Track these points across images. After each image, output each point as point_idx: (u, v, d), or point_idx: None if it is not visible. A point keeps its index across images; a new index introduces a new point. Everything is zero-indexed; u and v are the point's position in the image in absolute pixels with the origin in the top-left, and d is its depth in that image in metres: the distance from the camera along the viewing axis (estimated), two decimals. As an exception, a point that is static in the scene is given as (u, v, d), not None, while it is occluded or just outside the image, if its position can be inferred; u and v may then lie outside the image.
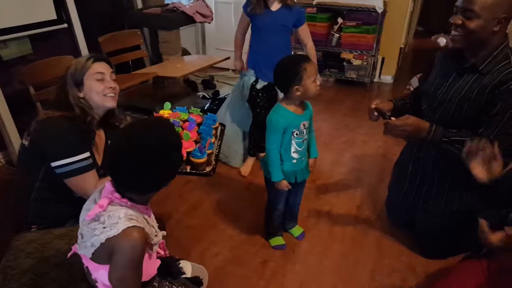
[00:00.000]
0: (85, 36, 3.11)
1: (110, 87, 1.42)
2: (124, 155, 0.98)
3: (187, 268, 1.34)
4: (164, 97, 2.99)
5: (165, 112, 1.86)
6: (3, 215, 1.41)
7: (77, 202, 1.19)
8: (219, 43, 4.79)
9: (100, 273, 1.04)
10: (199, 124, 1.86)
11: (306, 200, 2.25)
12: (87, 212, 1.02)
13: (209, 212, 2.32)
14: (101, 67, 1.41)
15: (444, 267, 1.89)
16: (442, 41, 3.00)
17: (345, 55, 4.25)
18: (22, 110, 2.49)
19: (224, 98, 3.53)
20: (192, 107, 2.00)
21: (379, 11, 3.89)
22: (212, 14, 3.74)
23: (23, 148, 1.40)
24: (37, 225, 1.42)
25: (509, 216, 1.43)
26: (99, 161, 1.46)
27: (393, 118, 1.61)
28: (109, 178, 1.06)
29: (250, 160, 2.71)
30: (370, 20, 4.02)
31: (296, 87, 1.61)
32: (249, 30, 2.48)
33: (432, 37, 3.06)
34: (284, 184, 1.77)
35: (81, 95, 1.39)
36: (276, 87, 2.41)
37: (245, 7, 2.35)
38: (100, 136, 1.50)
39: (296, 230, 2.13)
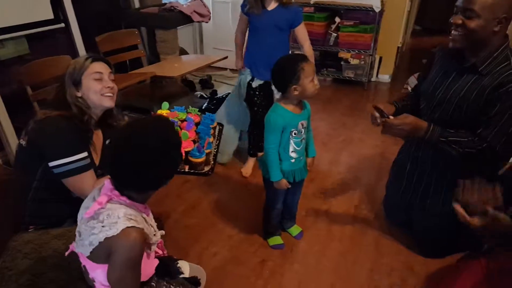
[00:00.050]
0: (82, 36, 3.10)
1: (108, 87, 1.42)
2: (123, 155, 0.98)
3: (185, 268, 1.34)
4: (162, 97, 2.99)
5: (163, 112, 1.86)
6: (0, 215, 1.41)
7: (75, 202, 1.19)
8: (216, 42, 4.78)
9: (97, 273, 1.04)
10: (197, 124, 1.86)
11: (304, 199, 2.25)
12: (86, 210, 1.02)
13: (207, 211, 2.32)
14: (99, 66, 1.41)
15: (442, 266, 1.90)
16: (412, 81, 2.96)
17: (343, 54, 4.25)
18: (19, 110, 2.49)
19: (222, 98, 3.54)
20: (190, 106, 2.00)
21: (377, 10, 3.90)
22: (210, 13, 3.74)
23: (21, 148, 1.39)
24: (35, 225, 1.42)
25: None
26: (96, 161, 1.45)
27: (391, 117, 1.61)
28: (107, 178, 1.06)
29: (251, 161, 2.70)
30: (368, 20, 4.03)
31: (294, 86, 1.61)
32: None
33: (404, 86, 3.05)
34: (284, 183, 1.77)
35: (79, 94, 1.39)
36: (273, 86, 2.43)
37: (242, 6, 2.35)
38: (98, 136, 1.50)
39: (295, 230, 2.13)
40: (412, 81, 2.93)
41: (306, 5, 4.16)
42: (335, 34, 4.21)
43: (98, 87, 1.40)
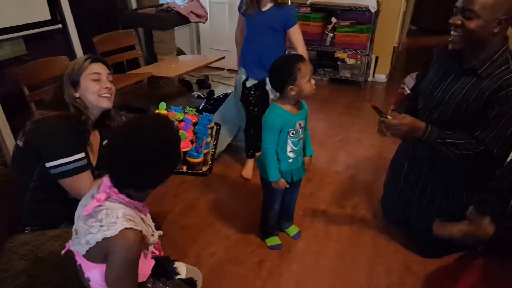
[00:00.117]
0: (79, 37, 3.10)
1: (106, 88, 1.42)
2: (121, 154, 0.98)
3: (182, 269, 1.34)
4: (159, 97, 2.99)
5: (161, 112, 1.87)
6: (-3, 216, 1.41)
7: (72, 203, 1.18)
8: (213, 43, 4.79)
9: (93, 272, 1.04)
10: (194, 124, 1.86)
11: (302, 199, 2.25)
12: (84, 207, 1.02)
13: (204, 212, 2.32)
14: (98, 67, 1.41)
15: (440, 266, 1.90)
16: (409, 81, 2.96)
17: (339, 54, 4.27)
18: (16, 110, 2.48)
19: (219, 98, 3.54)
20: (187, 107, 2.00)
21: (373, 10, 3.92)
22: (207, 14, 3.74)
23: (18, 148, 1.39)
24: (31, 226, 1.41)
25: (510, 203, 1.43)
26: (93, 161, 1.45)
27: (389, 117, 1.61)
28: (103, 179, 1.06)
29: (250, 162, 2.69)
30: (364, 20, 4.04)
31: (291, 87, 1.62)
32: None
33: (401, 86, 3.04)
34: (282, 183, 1.77)
35: (77, 95, 1.39)
36: (267, 86, 2.44)
37: (239, 8, 2.36)
38: (95, 137, 1.50)
39: (292, 230, 2.13)
40: (409, 80, 2.94)
41: (302, 6, 4.17)
42: (332, 34, 4.22)
43: (96, 88, 1.40)
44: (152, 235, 1.12)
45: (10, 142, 2.60)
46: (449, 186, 1.80)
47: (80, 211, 1.05)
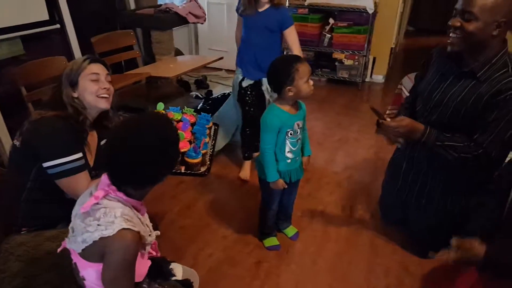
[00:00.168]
0: (77, 37, 3.09)
1: (104, 88, 1.42)
2: (119, 153, 0.98)
3: (178, 270, 1.33)
4: (157, 97, 2.99)
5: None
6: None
7: (69, 203, 1.18)
8: (212, 43, 4.79)
9: (88, 271, 1.04)
10: (193, 124, 1.87)
11: (300, 200, 2.25)
12: (82, 205, 1.01)
13: (202, 212, 2.32)
14: (96, 68, 1.41)
15: (437, 266, 1.91)
16: (406, 82, 2.95)
17: (337, 55, 4.28)
18: (13, 110, 2.47)
19: (217, 98, 3.54)
20: (185, 107, 2.00)
21: (370, 11, 3.93)
22: (205, 14, 3.74)
23: (15, 148, 1.38)
24: (28, 227, 1.41)
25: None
26: (91, 162, 1.45)
27: (388, 119, 1.61)
28: (101, 177, 1.06)
29: (247, 164, 2.68)
30: (361, 21, 4.06)
31: (289, 87, 1.62)
32: None
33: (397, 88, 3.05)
34: (280, 183, 1.77)
35: (75, 95, 1.39)
36: (263, 87, 2.44)
37: (237, 9, 2.37)
38: (93, 137, 1.50)
39: (290, 230, 2.13)
40: (406, 81, 2.94)
41: (300, 7, 4.18)
42: (329, 35, 4.24)
43: (94, 88, 1.40)
44: (149, 235, 1.12)
45: (7, 142, 2.59)
46: (447, 186, 1.80)
47: (78, 209, 1.05)
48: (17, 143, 1.36)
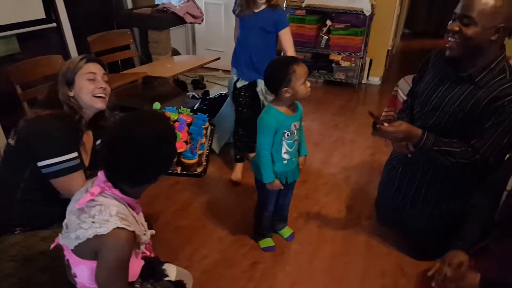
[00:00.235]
0: (74, 36, 3.07)
1: (101, 87, 1.41)
2: (115, 149, 0.97)
3: (172, 271, 1.33)
4: (154, 97, 2.97)
5: (155, 112, 1.86)
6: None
7: (63, 203, 1.17)
8: (209, 43, 4.78)
9: (80, 268, 1.03)
10: (189, 125, 1.86)
11: (296, 201, 2.25)
12: (77, 202, 1.01)
13: (198, 213, 2.31)
14: (93, 67, 1.41)
15: (432, 267, 1.91)
16: (402, 84, 2.97)
17: (334, 56, 4.29)
18: (8, 109, 2.45)
19: (213, 98, 3.54)
20: (181, 107, 1.99)
21: (367, 14, 3.94)
22: (202, 15, 3.73)
23: (9, 147, 1.37)
24: (21, 227, 1.39)
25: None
26: (86, 161, 1.44)
27: (386, 124, 1.61)
28: (98, 174, 1.05)
29: (239, 166, 2.65)
30: (358, 23, 4.07)
31: (285, 89, 1.62)
32: None
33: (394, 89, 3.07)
34: (277, 184, 1.77)
35: (71, 94, 1.38)
36: (257, 88, 2.43)
37: (233, 10, 2.37)
38: (89, 136, 1.49)
39: (286, 231, 2.13)
40: (402, 83, 2.95)
41: (297, 8, 4.19)
42: (327, 37, 4.25)
43: (90, 88, 1.39)
44: (144, 234, 1.11)
45: (1, 141, 2.57)
46: (443, 190, 1.81)
47: (73, 206, 1.04)
48: (12, 142, 1.35)
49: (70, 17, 3.01)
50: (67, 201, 1.13)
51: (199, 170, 1.64)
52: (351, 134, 3.33)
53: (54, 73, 1.41)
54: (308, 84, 1.65)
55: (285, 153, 1.75)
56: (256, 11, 2.25)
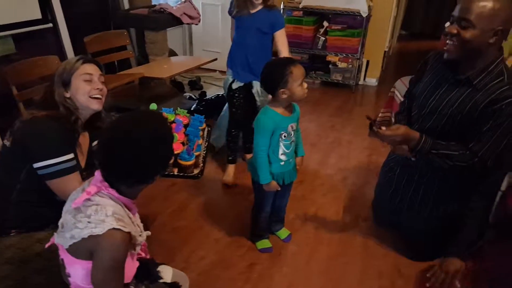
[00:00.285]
0: (70, 36, 3.06)
1: (97, 88, 1.41)
2: (110, 152, 0.97)
3: (167, 273, 1.32)
4: (150, 98, 2.97)
5: (152, 113, 1.85)
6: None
7: (59, 205, 1.16)
8: (206, 44, 4.78)
9: (75, 267, 1.02)
10: (186, 126, 1.86)
11: (293, 202, 2.25)
12: (73, 201, 1.00)
13: (194, 214, 2.30)
14: (90, 68, 1.40)
15: (428, 268, 1.92)
16: (399, 85, 2.97)
17: (331, 57, 4.30)
18: (3, 110, 2.44)
19: (210, 99, 3.53)
20: (178, 108, 1.99)
21: (364, 15, 3.95)
22: (199, 15, 3.73)
23: (5, 148, 1.36)
24: (17, 228, 1.38)
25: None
26: (82, 163, 1.43)
27: (383, 128, 1.61)
28: (95, 174, 1.05)
29: (231, 168, 2.62)
30: (355, 24, 4.08)
31: (282, 90, 1.61)
32: None
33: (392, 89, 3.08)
34: (274, 185, 1.77)
35: (68, 95, 1.38)
36: (253, 90, 2.43)
37: (229, 11, 2.37)
38: (85, 138, 1.48)
39: (283, 232, 2.13)
40: (399, 85, 2.96)
41: (295, 9, 4.20)
42: (324, 38, 4.25)
43: (87, 89, 1.39)
44: (140, 235, 1.11)
45: (-3, 142, 2.56)
46: (440, 192, 1.81)
47: (69, 205, 1.04)
48: (7, 143, 1.35)
49: (67, 17, 2.99)
50: (63, 203, 1.13)
51: (196, 171, 1.64)
52: (348, 135, 3.33)
53: (50, 74, 1.40)
54: (305, 85, 1.65)
55: (282, 154, 1.75)
56: (252, 12, 2.25)
